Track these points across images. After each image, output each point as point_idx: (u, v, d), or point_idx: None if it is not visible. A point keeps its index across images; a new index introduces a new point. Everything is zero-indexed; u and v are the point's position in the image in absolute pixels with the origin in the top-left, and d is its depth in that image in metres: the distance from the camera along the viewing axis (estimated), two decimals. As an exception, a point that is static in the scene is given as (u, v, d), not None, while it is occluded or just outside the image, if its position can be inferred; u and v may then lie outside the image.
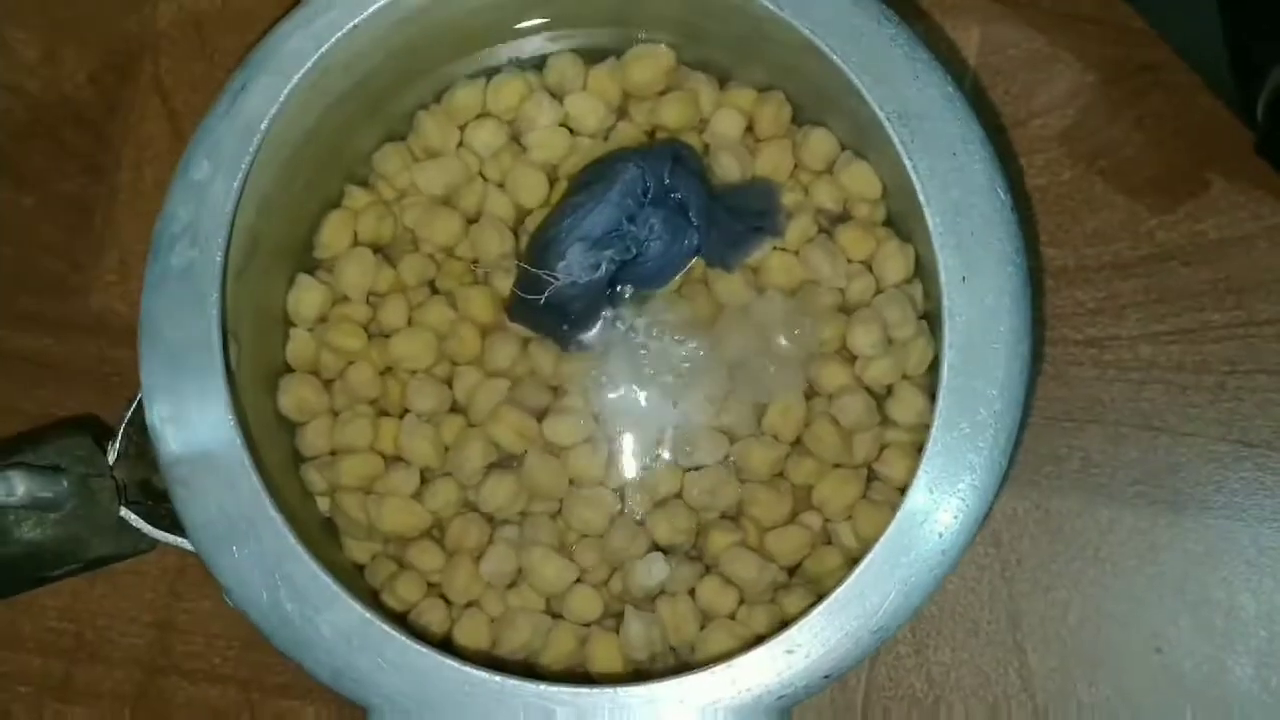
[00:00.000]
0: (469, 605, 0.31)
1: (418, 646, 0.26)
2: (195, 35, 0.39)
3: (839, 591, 0.26)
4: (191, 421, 0.27)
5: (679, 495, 0.32)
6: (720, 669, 0.26)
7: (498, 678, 0.26)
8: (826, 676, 0.26)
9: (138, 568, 0.36)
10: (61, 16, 0.40)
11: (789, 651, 0.26)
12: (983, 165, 0.27)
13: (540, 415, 0.31)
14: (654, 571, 0.31)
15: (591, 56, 0.33)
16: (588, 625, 0.31)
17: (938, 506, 0.26)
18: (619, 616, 0.31)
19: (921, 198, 0.27)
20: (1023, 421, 0.29)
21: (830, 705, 0.36)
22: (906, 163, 0.27)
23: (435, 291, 0.33)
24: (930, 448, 0.27)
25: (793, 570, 0.31)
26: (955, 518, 0.26)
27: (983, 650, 0.36)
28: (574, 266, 0.29)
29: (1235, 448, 0.37)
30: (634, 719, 0.26)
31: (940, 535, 0.26)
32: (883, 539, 0.26)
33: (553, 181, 0.33)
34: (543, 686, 0.26)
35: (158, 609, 0.37)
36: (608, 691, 0.26)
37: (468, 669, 0.26)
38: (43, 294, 0.38)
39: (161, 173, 0.39)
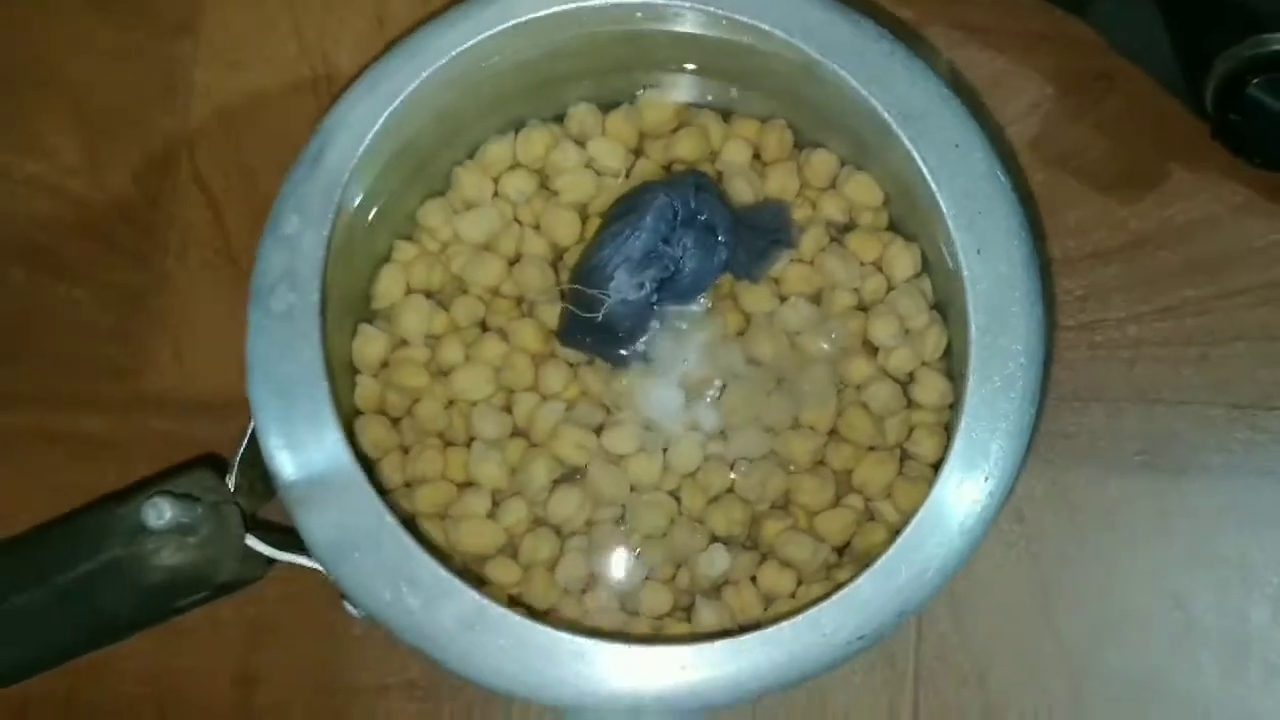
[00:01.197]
0: (549, 611, 0.33)
1: (535, 623, 0.29)
2: (226, 127, 0.42)
3: (905, 534, 0.28)
4: (305, 446, 0.29)
5: (731, 490, 0.34)
6: (802, 619, 0.28)
7: (597, 641, 0.28)
8: (900, 613, 0.28)
9: (215, 622, 0.37)
10: (99, 119, 0.42)
11: (865, 601, 0.28)
12: (982, 154, 0.31)
13: (597, 430, 0.34)
14: (716, 562, 0.33)
15: (605, 106, 0.36)
16: (660, 618, 0.33)
17: (980, 454, 0.29)
18: (689, 609, 0.33)
19: (934, 186, 0.30)
20: (1046, 375, 0.32)
21: (883, 683, 0.38)
22: (916, 157, 0.30)
23: (486, 329, 0.35)
24: (969, 401, 0.30)
25: (842, 549, 0.34)
26: (997, 462, 0.29)
27: (1017, 623, 0.38)
28: (622, 286, 0.32)
29: (1227, 411, 0.39)
30: (743, 660, 0.28)
31: (986, 479, 0.29)
32: (933, 489, 0.29)
33: (584, 219, 0.36)
34: (634, 646, 0.28)
35: (236, 662, 0.38)
36: (701, 647, 0.28)
37: (581, 638, 0.29)
38: (100, 379, 0.40)
39: (205, 255, 0.41)
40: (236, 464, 0.31)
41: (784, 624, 0.29)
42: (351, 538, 0.29)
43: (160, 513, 0.29)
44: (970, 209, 0.30)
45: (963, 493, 0.30)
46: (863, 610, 0.29)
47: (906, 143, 0.30)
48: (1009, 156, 0.40)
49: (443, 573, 0.29)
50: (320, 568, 0.30)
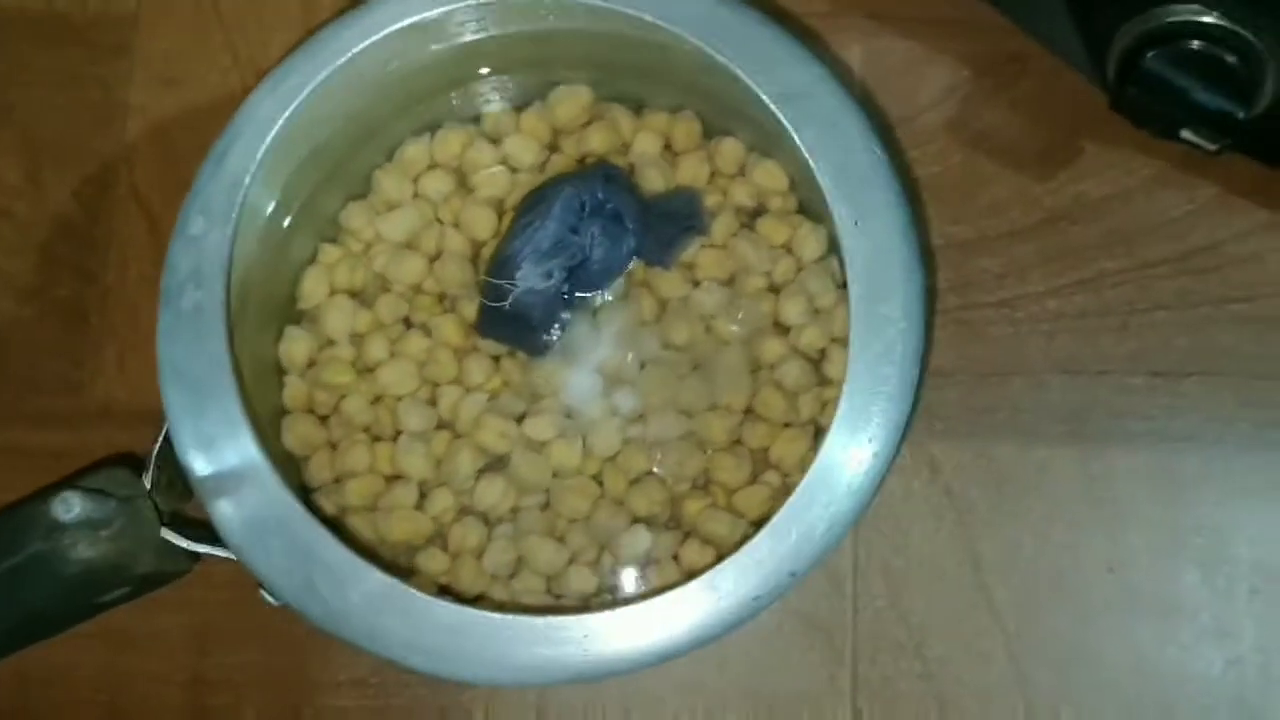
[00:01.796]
0: (478, 598, 0.34)
1: (440, 601, 0.30)
2: (163, 144, 0.43)
3: (793, 497, 0.29)
4: (216, 440, 0.30)
5: (651, 472, 0.35)
6: (697, 583, 0.29)
7: (504, 615, 0.29)
8: (791, 574, 0.29)
9: (163, 627, 0.38)
10: (39, 142, 0.43)
11: (754, 563, 0.29)
12: (858, 130, 0.32)
13: (519, 419, 0.35)
14: (639, 542, 0.34)
15: (518, 102, 0.37)
16: (586, 599, 0.34)
17: (862, 418, 0.30)
18: (614, 590, 0.34)
19: (810, 162, 0.31)
20: (927, 344, 0.32)
21: (821, 660, 0.38)
22: (793, 135, 0.31)
23: (410, 325, 0.36)
24: (851, 369, 0.30)
25: (760, 523, 0.35)
26: (880, 425, 0.30)
27: (952, 593, 0.38)
28: (529, 275, 0.33)
29: (1147, 379, 0.39)
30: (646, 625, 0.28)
31: (869, 440, 0.30)
32: (820, 451, 0.30)
33: (500, 214, 0.37)
34: (541, 619, 0.29)
35: (186, 666, 0.39)
36: (601, 615, 0.29)
37: (485, 613, 0.30)
38: (51, 393, 0.41)
39: (144, 269, 0.42)
40: (153, 460, 0.32)
41: (682, 588, 0.30)
42: (263, 526, 0.30)
43: (69, 507, 0.30)
44: (848, 181, 0.31)
45: (849, 456, 0.30)
46: (757, 570, 0.29)
47: (785, 122, 0.31)
48: (925, 142, 0.41)
49: (349, 555, 0.30)
50: (235, 557, 0.30)
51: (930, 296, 0.32)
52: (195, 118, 0.43)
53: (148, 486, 0.32)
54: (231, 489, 0.30)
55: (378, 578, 0.30)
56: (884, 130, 0.41)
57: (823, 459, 0.30)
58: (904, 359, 0.30)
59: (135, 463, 0.34)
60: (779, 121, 0.31)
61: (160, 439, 0.32)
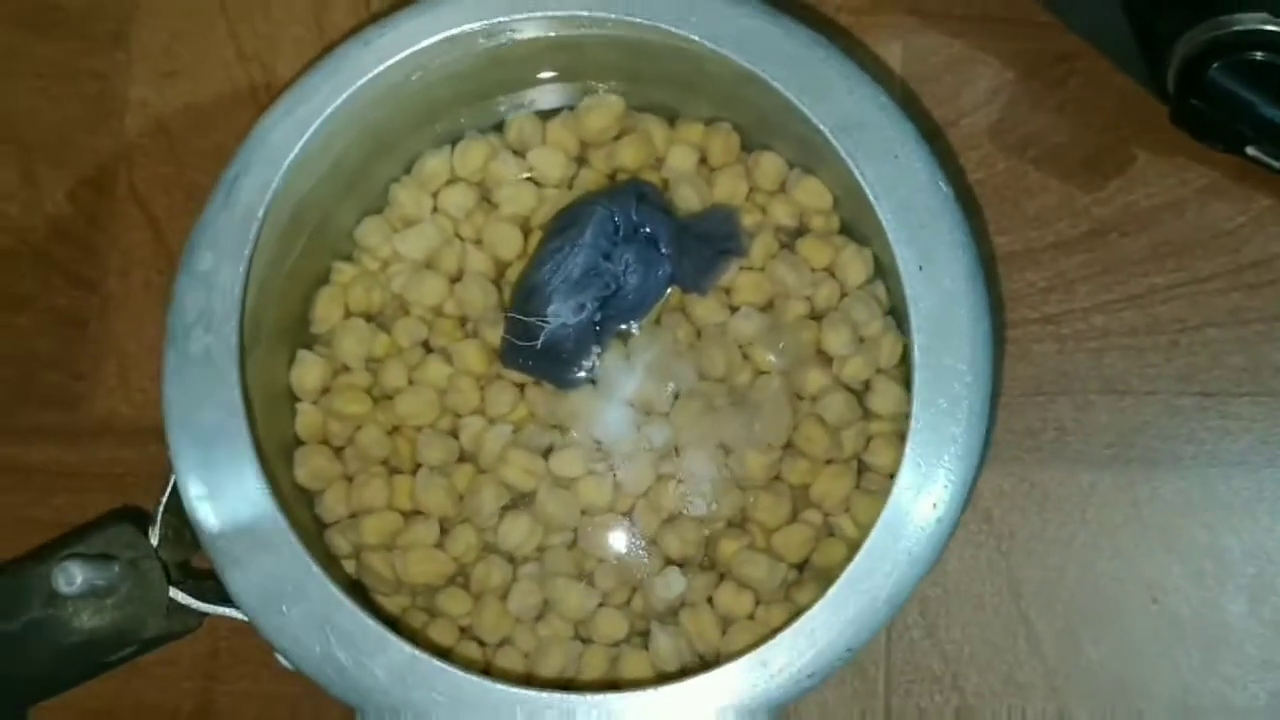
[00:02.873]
0: (502, 643, 0.32)
1: (468, 675, 0.28)
2: (164, 142, 0.41)
3: (844, 576, 0.28)
4: (227, 496, 0.28)
5: (685, 511, 0.33)
6: (747, 659, 0.28)
7: (536, 692, 0.28)
8: (849, 650, 0.28)
9: (172, 658, 0.37)
10: (32, 140, 0.41)
11: (808, 636, 0.27)
12: (923, 164, 0.30)
13: (545, 453, 0.33)
14: (671, 585, 0.32)
15: (545, 114, 0.35)
16: (616, 645, 0.32)
17: (928, 479, 0.28)
18: (646, 634, 0.33)
19: (872, 199, 0.29)
20: (994, 393, 0.31)
21: (854, 694, 0.37)
22: (854, 170, 0.29)
23: (430, 350, 0.34)
24: (913, 425, 0.29)
25: (801, 566, 0.33)
26: (945, 487, 0.28)
27: (990, 623, 0.38)
28: (561, 310, 0.31)
29: (1197, 399, 0.39)
30: (689, 707, 0.27)
31: (935, 505, 0.28)
32: (882, 515, 0.28)
33: (526, 233, 0.35)
34: (576, 696, 0.28)
35: (197, 695, 0.38)
36: (644, 694, 0.28)
37: (513, 689, 0.28)
38: (47, 406, 0.40)
39: (148, 276, 0.40)
40: (159, 515, 0.30)
41: (732, 664, 0.28)
42: (278, 590, 0.28)
43: (70, 578, 0.28)
44: (911, 221, 0.29)
45: (911, 520, 0.29)
46: (811, 645, 0.28)
47: (843, 155, 0.29)
48: (968, 148, 0.39)
49: (372, 624, 0.28)
50: (248, 620, 0.29)
51: (995, 338, 0.30)
52: (198, 114, 0.41)
53: (154, 544, 0.30)
54: (244, 549, 0.28)
55: (402, 649, 0.28)
56: (926, 133, 0.39)
57: (884, 524, 0.29)
58: (971, 415, 0.28)
59: (140, 516, 0.32)
60: (838, 155, 0.29)
61: (168, 490, 0.30)
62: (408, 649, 0.28)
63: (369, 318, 0.35)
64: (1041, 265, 0.39)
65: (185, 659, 0.37)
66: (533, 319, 0.31)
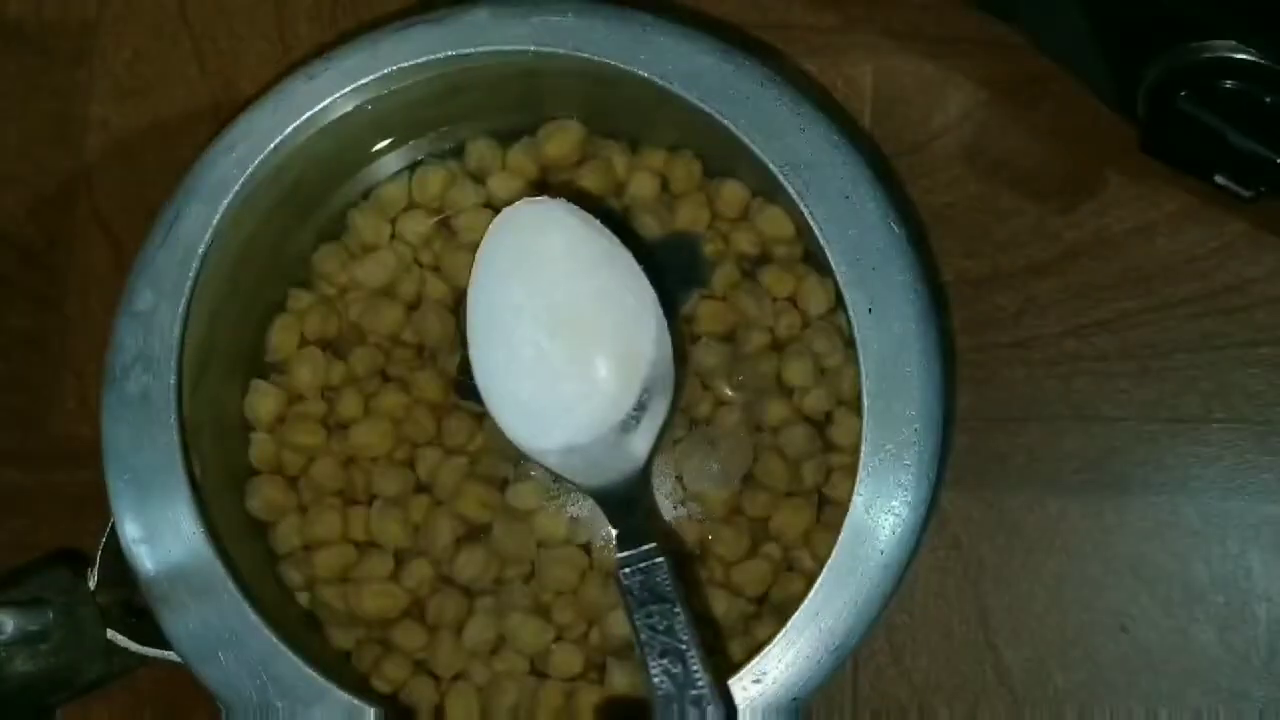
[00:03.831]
0: (456, 677, 0.32)
1: None
2: (126, 161, 0.40)
3: (795, 617, 0.27)
4: (164, 540, 0.28)
5: (643, 543, 0.33)
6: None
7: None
8: (795, 699, 0.27)
9: (132, 687, 0.36)
10: (-8, 158, 0.41)
11: (756, 681, 0.27)
12: (875, 204, 0.29)
13: (502, 485, 0.33)
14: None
15: (505, 137, 0.35)
16: (572, 680, 0.32)
17: (876, 524, 0.28)
18: (602, 668, 0.32)
19: (822, 240, 0.29)
20: (947, 435, 0.31)
21: (819, 722, 0.37)
22: (804, 209, 0.29)
23: (387, 379, 0.34)
24: (861, 471, 0.28)
25: (761, 600, 0.33)
26: (893, 533, 0.28)
27: (958, 652, 0.37)
28: (514, 343, 0.31)
29: (1167, 425, 0.38)
30: None
31: (881, 552, 0.28)
32: (829, 561, 0.28)
33: (485, 260, 0.34)
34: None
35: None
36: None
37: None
38: (5, 428, 0.39)
39: (108, 296, 0.39)
40: (99, 557, 0.30)
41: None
42: (215, 636, 0.28)
43: (1, 626, 0.27)
44: (862, 263, 0.29)
45: (855, 565, 0.28)
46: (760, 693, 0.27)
47: (793, 194, 0.29)
48: (939, 170, 0.39)
49: (310, 673, 0.28)
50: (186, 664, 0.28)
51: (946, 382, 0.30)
52: (161, 132, 0.41)
53: (91, 588, 0.30)
54: (181, 594, 0.28)
55: (340, 698, 0.28)
56: (895, 157, 0.39)
57: (828, 573, 0.28)
58: (920, 464, 0.28)
59: (77, 558, 0.32)
60: (789, 195, 0.29)
61: (108, 530, 0.30)
62: (345, 697, 0.28)
63: (325, 345, 0.34)
64: (1012, 289, 0.39)
65: (146, 683, 0.37)
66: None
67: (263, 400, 0.33)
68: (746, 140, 0.29)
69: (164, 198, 0.39)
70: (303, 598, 0.33)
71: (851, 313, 0.29)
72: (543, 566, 0.33)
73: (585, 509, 0.33)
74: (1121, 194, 0.39)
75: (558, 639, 0.32)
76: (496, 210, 0.34)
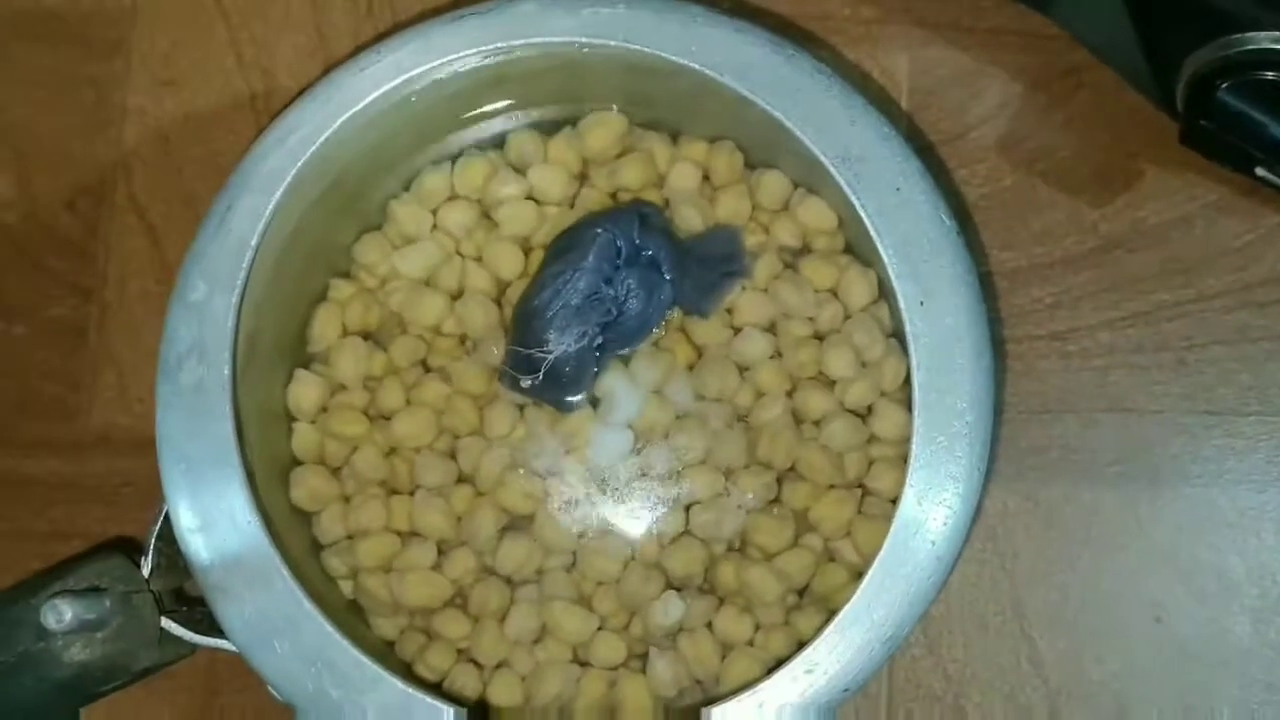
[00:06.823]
0: (499, 666, 0.32)
1: (461, 711, 0.28)
2: (163, 150, 0.40)
3: (847, 609, 0.27)
4: (219, 529, 0.28)
5: (686, 532, 0.33)
6: (745, 696, 0.28)
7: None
8: (846, 690, 0.27)
9: (174, 669, 0.36)
10: (29, 148, 0.41)
11: (808, 671, 0.27)
12: (925, 196, 0.29)
13: (545, 476, 0.33)
14: (670, 610, 0.32)
15: (547, 129, 0.35)
16: (614, 669, 0.32)
17: (927, 517, 0.28)
18: (644, 657, 0.32)
19: (873, 233, 0.29)
20: (996, 426, 0.31)
21: (855, 714, 0.37)
22: (855, 202, 0.29)
23: (428, 370, 0.34)
24: (913, 463, 0.28)
25: (802, 591, 0.33)
26: (945, 524, 0.28)
27: (993, 643, 0.37)
28: (561, 340, 0.31)
29: (1203, 418, 0.38)
30: None
31: (933, 543, 0.28)
32: (880, 554, 0.28)
33: (527, 252, 0.34)
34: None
35: (195, 711, 0.37)
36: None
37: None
38: (45, 418, 0.39)
39: (146, 285, 0.40)
40: (151, 545, 0.30)
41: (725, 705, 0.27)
42: (270, 625, 0.28)
43: (60, 615, 0.28)
44: (913, 256, 0.29)
45: (908, 557, 0.28)
46: (810, 685, 0.27)
47: (844, 186, 0.29)
48: (975, 161, 0.39)
49: (365, 660, 0.28)
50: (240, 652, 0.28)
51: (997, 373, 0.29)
52: (197, 122, 0.41)
53: (145, 576, 0.30)
54: (236, 583, 0.28)
55: (394, 686, 0.28)
56: (932, 148, 0.39)
57: (880, 565, 0.28)
58: (971, 455, 0.28)
59: (132, 546, 0.32)
60: (840, 187, 0.29)
61: (160, 519, 0.30)
62: (400, 686, 0.28)
63: (366, 336, 0.34)
64: (1048, 281, 0.39)
65: (183, 671, 0.37)
66: (533, 351, 0.31)
67: (305, 390, 0.33)
68: (798, 132, 0.29)
69: (201, 187, 0.40)
70: (346, 587, 0.33)
71: (903, 305, 0.29)
72: (584, 557, 0.33)
73: (628, 498, 0.33)
74: (1157, 186, 0.39)
75: (599, 628, 0.32)
76: (538, 202, 0.34)
